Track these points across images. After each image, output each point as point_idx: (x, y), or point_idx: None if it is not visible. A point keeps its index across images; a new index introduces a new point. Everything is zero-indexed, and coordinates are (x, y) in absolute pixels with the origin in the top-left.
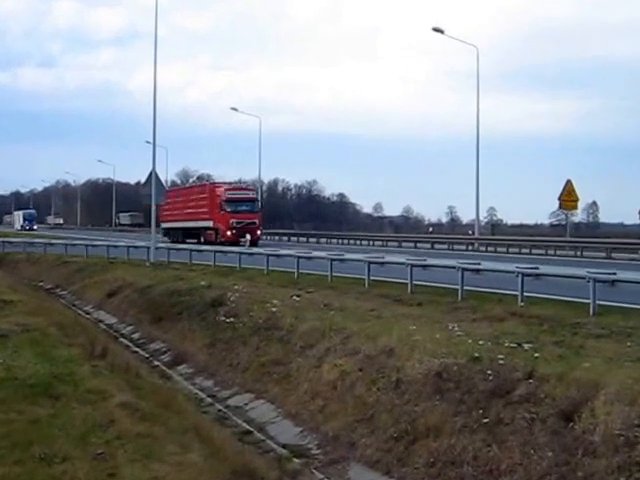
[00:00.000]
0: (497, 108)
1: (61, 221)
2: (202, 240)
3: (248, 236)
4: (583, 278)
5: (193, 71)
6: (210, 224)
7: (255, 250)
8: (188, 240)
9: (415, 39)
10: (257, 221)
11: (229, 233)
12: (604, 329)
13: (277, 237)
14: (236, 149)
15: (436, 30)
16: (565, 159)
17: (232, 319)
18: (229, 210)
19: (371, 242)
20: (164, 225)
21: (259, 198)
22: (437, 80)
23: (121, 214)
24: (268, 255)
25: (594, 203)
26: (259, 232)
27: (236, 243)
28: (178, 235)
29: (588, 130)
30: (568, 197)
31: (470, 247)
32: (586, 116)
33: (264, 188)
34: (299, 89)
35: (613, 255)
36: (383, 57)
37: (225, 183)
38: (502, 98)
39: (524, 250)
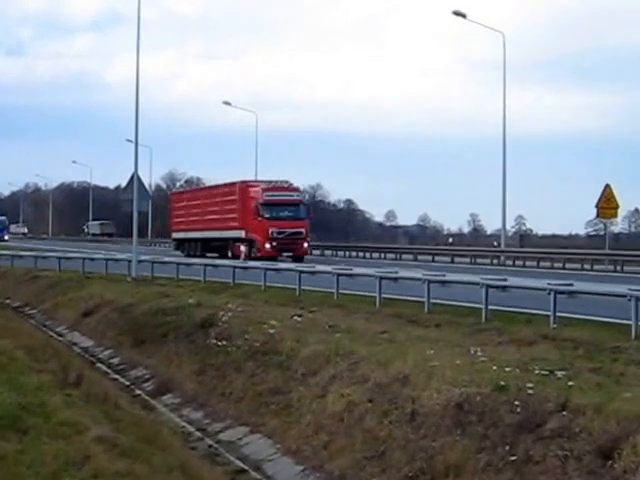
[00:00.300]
0: (526, 103)
1: (25, 230)
2: (229, 255)
3: (243, 247)
4: (624, 296)
5: (181, 61)
6: (241, 234)
7: (251, 264)
8: (209, 254)
9: (432, 25)
10: (304, 230)
11: (268, 246)
12: None
13: None
14: (230, 149)
15: (457, 14)
16: (604, 161)
17: (224, 342)
18: (268, 216)
19: (383, 255)
20: (176, 235)
21: (305, 200)
22: (457, 71)
23: (90, 223)
24: (266, 269)
25: (637, 211)
26: (306, 245)
27: (275, 259)
28: (195, 248)
29: (631, 128)
30: (607, 204)
31: (495, 261)
32: (629, 112)
33: None
34: (299, 81)
35: None
36: (395, 45)
37: (261, 181)
38: (532, 91)
39: (557, 264)
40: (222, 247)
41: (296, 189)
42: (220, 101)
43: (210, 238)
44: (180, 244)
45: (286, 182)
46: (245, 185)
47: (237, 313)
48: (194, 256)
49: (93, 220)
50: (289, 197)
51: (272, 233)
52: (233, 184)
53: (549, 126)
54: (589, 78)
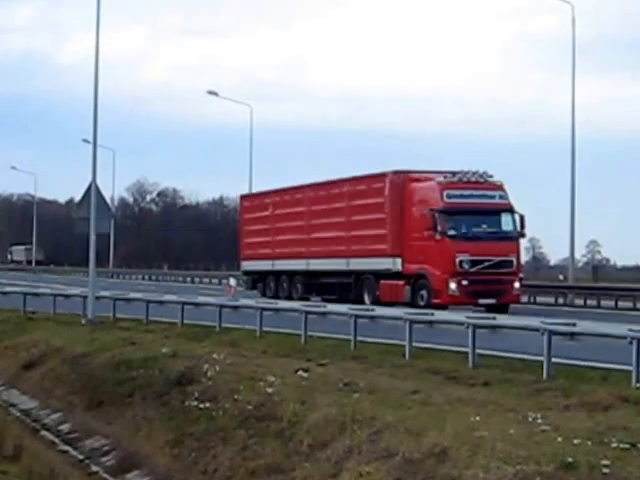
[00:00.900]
0: (604, 96)
1: None
2: (367, 300)
3: (232, 281)
4: None
5: (155, 38)
6: (393, 265)
7: (243, 303)
8: (325, 297)
9: None
10: (514, 259)
11: (454, 287)
12: None
13: None
14: (216, 151)
15: None
16: None
17: (208, 404)
18: (453, 233)
19: None
20: (250, 266)
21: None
22: (511, 53)
23: (14, 247)
24: (261, 309)
25: None
26: (517, 285)
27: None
28: (290, 286)
29: None
30: None
31: (561, 299)
32: None
33: None
34: (309, 66)
35: None
36: (431, 21)
37: (434, 172)
38: (612, 81)
39: None
40: (345, 286)
41: (498, 186)
42: (204, 90)
43: (323, 271)
44: (259, 280)
45: (482, 173)
46: (403, 177)
47: (224, 366)
48: (288, 299)
49: (16, 244)
50: (488, 199)
51: (462, 264)
52: (378, 176)
53: (634, 126)
54: None
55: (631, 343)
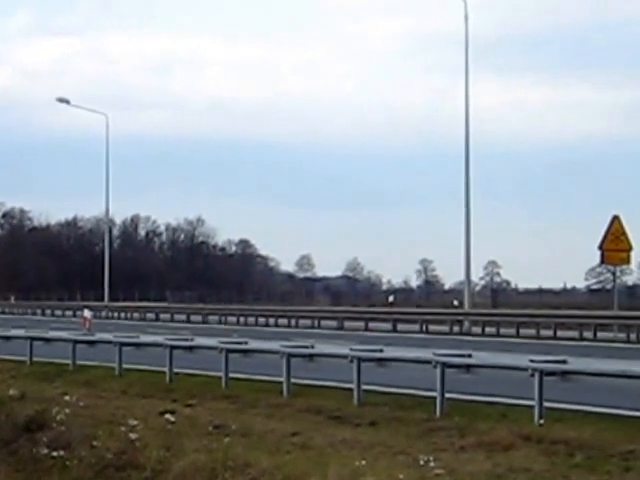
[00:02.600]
0: (503, 101)
1: None
2: None
3: (87, 313)
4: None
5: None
6: None
7: (99, 337)
8: None
9: None
10: None
11: None
12: None
13: (136, 313)
14: (68, 166)
15: None
16: (613, 184)
17: (61, 452)
18: None
19: (294, 320)
20: None
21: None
22: (404, 55)
23: None
24: (121, 344)
25: None
26: None
27: None
28: None
29: None
30: (615, 244)
31: (457, 327)
32: None
33: (115, 232)
34: (178, 67)
35: None
36: (314, 21)
37: None
38: (513, 84)
39: (544, 331)
40: None
41: None
42: (54, 97)
43: None
44: None
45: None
46: None
47: (79, 409)
48: None
49: None
50: None
51: None
52: None
53: (536, 134)
54: (585, 64)
55: (533, 375)
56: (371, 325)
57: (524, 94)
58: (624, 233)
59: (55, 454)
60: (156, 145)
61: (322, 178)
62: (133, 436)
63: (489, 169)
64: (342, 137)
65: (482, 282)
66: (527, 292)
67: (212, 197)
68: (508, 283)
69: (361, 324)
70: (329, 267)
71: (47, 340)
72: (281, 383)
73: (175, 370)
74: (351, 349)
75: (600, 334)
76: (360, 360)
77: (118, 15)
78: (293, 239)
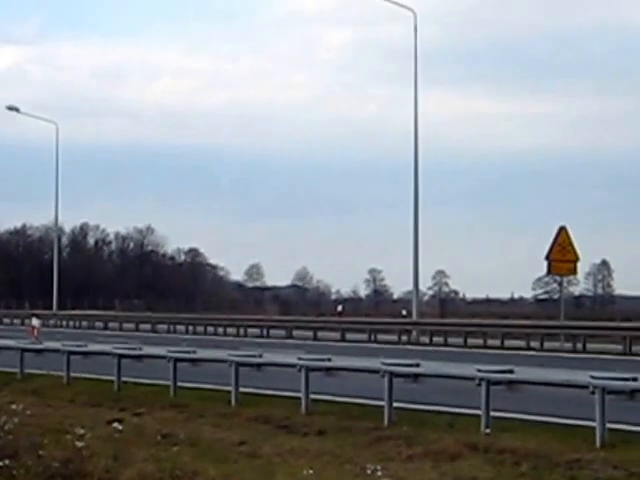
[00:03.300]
0: (449, 111)
1: None
2: None
3: (35, 321)
4: (585, 387)
5: None
6: None
7: (47, 345)
8: None
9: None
10: None
11: None
12: (617, 469)
13: (85, 322)
14: (17, 174)
15: None
16: (560, 195)
17: (7, 461)
18: None
19: (243, 330)
20: None
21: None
22: (352, 65)
23: None
24: (69, 353)
25: (604, 264)
26: None
27: None
28: None
29: (601, 148)
30: (562, 255)
31: (405, 337)
32: (596, 125)
33: (64, 240)
34: (130, 76)
35: (634, 349)
36: (262, 31)
37: None
38: (462, 95)
39: (491, 341)
40: None
41: None
42: (2, 105)
43: None
44: None
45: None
46: None
47: (26, 418)
48: None
49: None
50: None
51: None
52: None
53: (485, 145)
54: (536, 76)
55: (480, 385)
56: (320, 334)
57: (473, 105)
58: (570, 244)
59: (1, 463)
60: (106, 153)
61: (272, 187)
62: (80, 445)
63: (438, 179)
64: (293, 146)
65: (430, 292)
66: (475, 302)
67: (162, 206)
68: (456, 293)
69: (310, 333)
70: (278, 276)
71: None
72: (229, 392)
73: (123, 379)
74: (299, 358)
75: (547, 344)
76: (308, 369)
77: (70, 24)
78: (243, 248)
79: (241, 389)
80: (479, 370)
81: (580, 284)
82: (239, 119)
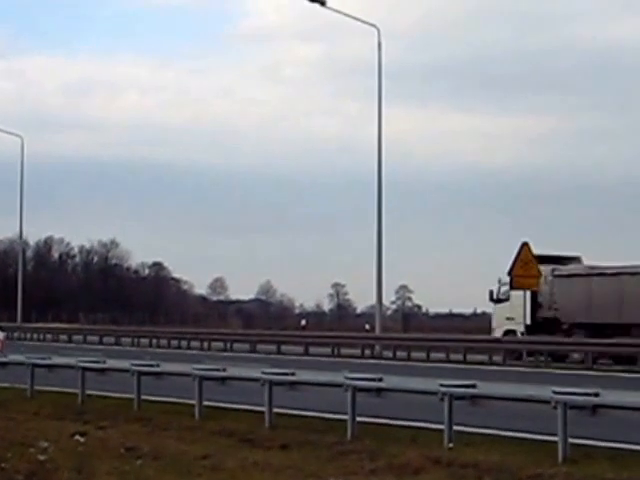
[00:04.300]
0: (414, 126)
1: None
2: None
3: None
4: (546, 402)
5: None
6: None
7: (11, 358)
8: None
9: (280, 16)
10: None
11: None
12: None
13: (49, 334)
14: None
15: (312, 0)
16: (523, 210)
17: None
18: None
19: (207, 343)
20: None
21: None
22: (314, 82)
23: None
24: (33, 365)
25: None
26: None
27: None
28: None
29: (560, 161)
30: (524, 270)
31: (368, 351)
32: (561, 141)
33: (29, 253)
34: (97, 90)
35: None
36: (229, 46)
37: None
38: (428, 110)
39: (455, 355)
40: None
41: None
42: None
43: None
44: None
45: None
46: None
47: None
48: None
49: None
50: None
51: None
52: None
53: (448, 161)
54: (501, 88)
55: (442, 399)
56: (283, 348)
57: (437, 121)
58: (533, 259)
59: None
60: (71, 167)
61: (236, 202)
62: (43, 458)
63: (403, 195)
64: (259, 162)
65: (394, 306)
66: (438, 316)
67: (126, 220)
68: (419, 307)
69: (273, 347)
70: (242, 290)
71: None
72: (193, 406)
73: (87, 392)
74: (263, 372)
75: (509, 359)
76: (272, 383)
77: (38, 37)
78: (206, 262)
79: (205, 403)
80: (442, 385)
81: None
82: (205, 134)
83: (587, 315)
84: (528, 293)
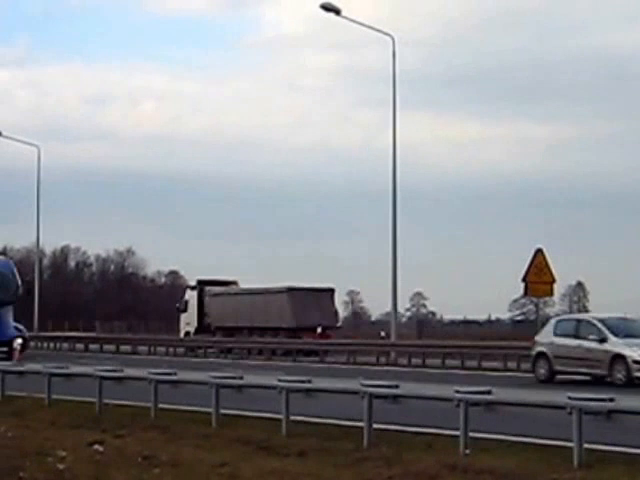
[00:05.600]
0: (427, 135)
1: None
2: None
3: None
4: (561, 407)
5: None
6: None
7: (29, 367)
8: None
9: (293, 24)
10: None
11: None
12: None
13: (66, 343)
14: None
15: (327, 9)
16: (537, 217)
17: None
18: None
19: (223, 352)
20: None
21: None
22: (334, 90)
23: None
24: (50, 375)
25: (580, 285)
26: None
27: None
28: None
29: (573, 168)
30: (538, 277)
31: (383, 358)
32: (576, 148)
33: (45, 262)
34: (114, 100)
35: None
36: (246, 55)
37: None
38: (443, 119)
39: (470, 362)
40: None
41: None
42: None
43: None
44: None
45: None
46: None
47: (7, 440)
48: None
49: None
50: None
51: None
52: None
53: (463, 167)
54: (515, 99)
55: (458, 406)
56: (299, 357)
57: (453, 129)
58: (547, 266)
59: None
60: (88, 176)
61: (254, 210)
62: (61, 467)
63: (418, 202)
64: (276, 170)
65: (408, 313)
66: (452, 323)
67: (142, 228)
68: (434, 314)
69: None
70: None
71: None
72: (210, 414)
73: (104, 401)
74: (279, 380)
75: (524, 365)
76: (288, 391)
77: (55, 47)
78: (223, 270)
79: (222, 410)
80: (457, 391)
81: (556, 305)
82: (222, 144)
83: (223, 321)
84: (195, 305)
